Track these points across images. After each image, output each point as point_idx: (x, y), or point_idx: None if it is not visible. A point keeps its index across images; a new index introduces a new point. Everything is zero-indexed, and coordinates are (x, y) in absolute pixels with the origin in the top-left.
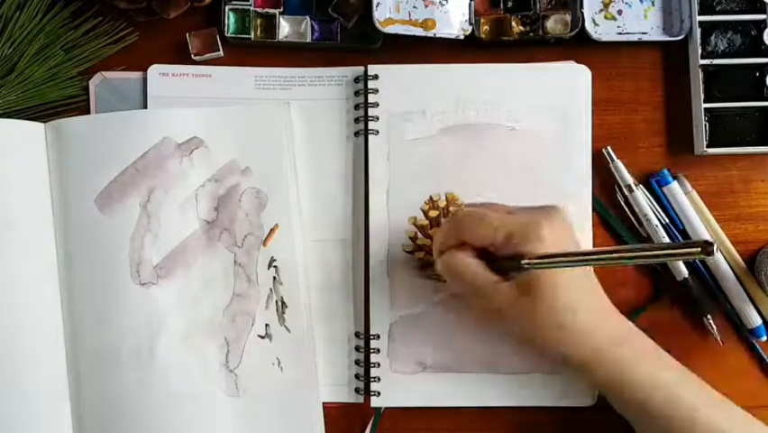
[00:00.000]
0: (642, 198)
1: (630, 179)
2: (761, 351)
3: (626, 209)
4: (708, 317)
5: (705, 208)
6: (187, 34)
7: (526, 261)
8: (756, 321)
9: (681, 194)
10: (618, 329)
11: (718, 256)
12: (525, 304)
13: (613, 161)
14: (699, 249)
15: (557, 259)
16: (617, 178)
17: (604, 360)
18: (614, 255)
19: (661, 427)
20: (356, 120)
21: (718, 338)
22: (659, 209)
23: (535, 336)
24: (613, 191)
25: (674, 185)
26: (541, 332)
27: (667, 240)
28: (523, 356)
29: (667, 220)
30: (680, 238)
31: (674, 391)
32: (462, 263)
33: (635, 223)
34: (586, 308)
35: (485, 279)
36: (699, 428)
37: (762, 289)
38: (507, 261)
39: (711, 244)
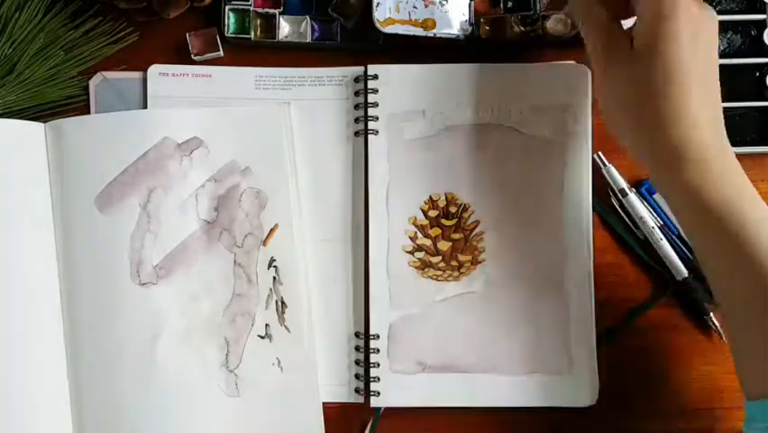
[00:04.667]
0: (636, 201)
1: (623, 184)
2: None
3: (622, 213)
4: (711, 314)
5: None
6: (187, 34)
7: None
8: None
9: None
10: (724, 137)
11: None
12: (641, 68)
13: (605, 165)
14: None
15: None
16: (611, 182)
17: (706, 161)
18: None
19: (725, 244)
20: (356, 120)
21: (722, 335)
22: (654, 212)
23: (637, 106)
24: (612, 191)
25: None
26: (644, 102)
27: (665, 242)
28: (523, 357)
29: (662, 222)
30: (676, 241)
31: (755, 207)
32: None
33: (631, 226)
34: (698, 100)
35: (614, 31)
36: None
37: None
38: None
39: None
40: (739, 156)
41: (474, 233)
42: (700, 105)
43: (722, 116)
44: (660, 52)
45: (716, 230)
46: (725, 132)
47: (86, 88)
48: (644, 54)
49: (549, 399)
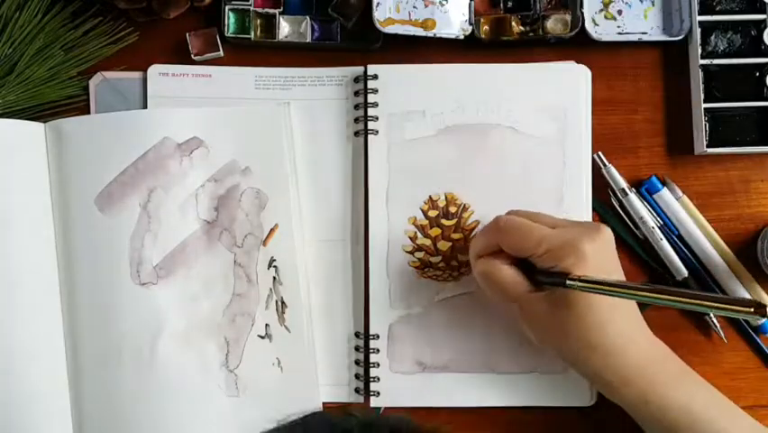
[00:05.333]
0: (636, 201)
1: (623, 184)
2: (765, 348)
3: (622, 213)
4: (711, 314)
5: (697, 212)
6: (187, 34)
7: (571, 281)
8: (761, 318)
9: (673, 200)
10: (648, 352)
11: (716, 257)
12: (557, 318)
13: (605, 165)
14: (752, 309)
15: (603, 286)
16: (611, 182)
17: (631, 382)
18: (661, 296)
19: None
20: (356, 120)
21: (722, 335)
22: (654, 212)
23: (565, 350)
24: (612, 191)
25: (664, 192)
26: (571, 348)
27: (665, 242)
28: (522, 356)
29: (662, 222)
30: (676, 241)
31: (701, 416)
32: (500, 272)
33: (631, 226)
34: (618, 329)
35: (520, 289)
36: None
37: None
38: (545, 274)
39: (764, 307)
40: (739, 156)
41: (474, 233)
42: (621, 326)
43: (639, 316)
44: (575, 303)
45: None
46: (647, 328)
47: (86, 88)
48: (560, 304)
49: (548, 398)
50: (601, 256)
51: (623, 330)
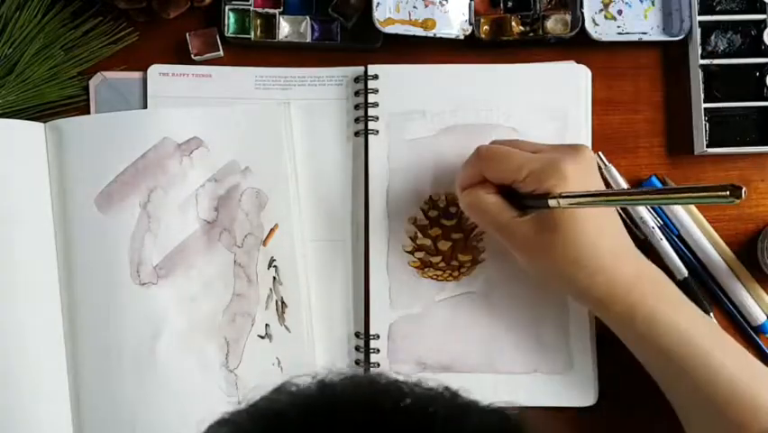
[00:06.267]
0: None
1: (624, 184)
2: (764, 348)
3: (622, 213)
4: (711, 314)
5: (698, 212)
6: (187, 34)
7: (552, 199)
8: (761, 318)
9: None
10: (637, 268)
11: (716, 257)
12: (544, 240)
13: (605, 165)
14: (728, 192)
15: (586, 199)
16: (611, 182)
17: (619, 297)
18: (638, 197)
19: (673, 366)
20: (356, 120)
21: None
22: (654, 212)
23: (555, 271)
24: None
25: None
26: (558, 268)
27: (665, 242)
28: (523, 356)
29: (662, 222)
30: (676, 241)
31: (689, 333)
32: (484, 200)
33: (632, 225)
34: (606, 246)
35: (506, 215)
36: (712, 368)
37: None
38: (529, 198)
39: (740, 189)
40: (739, 156)
41: (474, 232)
42: (609, 244)
43: (625, 233)
44: (563, 228)
45: (664, 353)
46: (634, 247)
47: (86, 88)
48: (548, 227)
49: (549, 398)
50: (582, 177)
51: (611, 247)
